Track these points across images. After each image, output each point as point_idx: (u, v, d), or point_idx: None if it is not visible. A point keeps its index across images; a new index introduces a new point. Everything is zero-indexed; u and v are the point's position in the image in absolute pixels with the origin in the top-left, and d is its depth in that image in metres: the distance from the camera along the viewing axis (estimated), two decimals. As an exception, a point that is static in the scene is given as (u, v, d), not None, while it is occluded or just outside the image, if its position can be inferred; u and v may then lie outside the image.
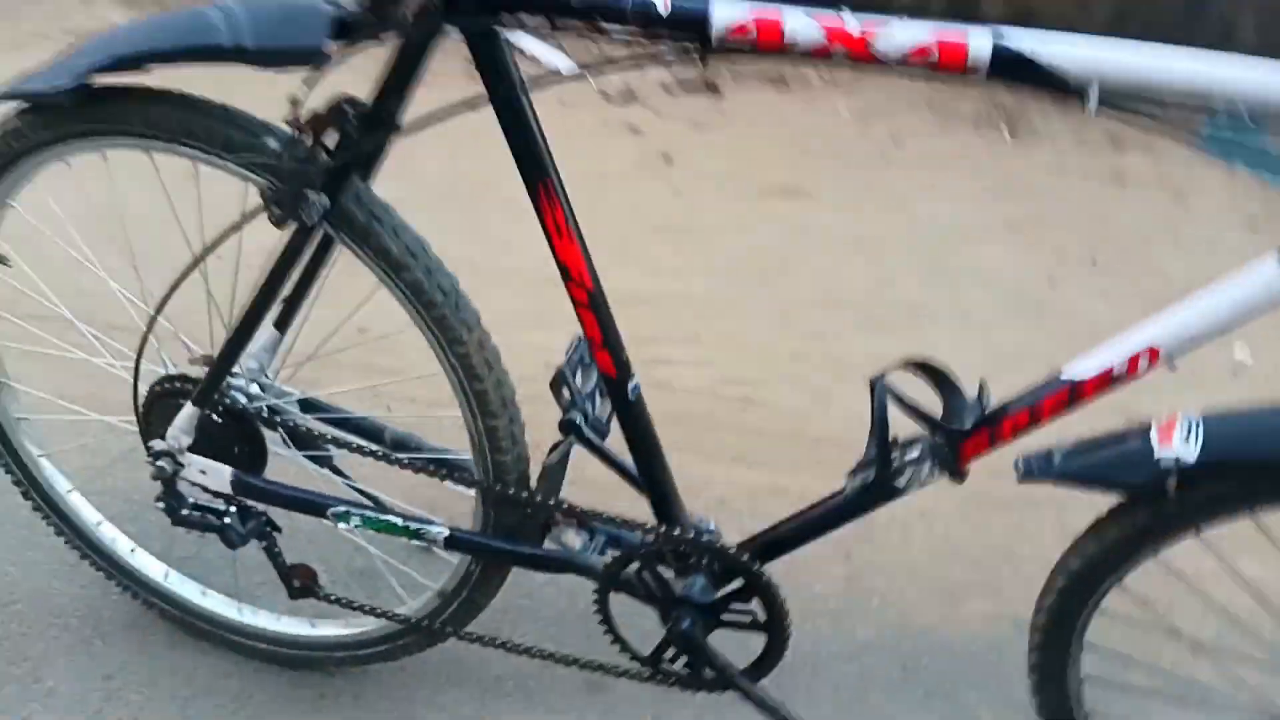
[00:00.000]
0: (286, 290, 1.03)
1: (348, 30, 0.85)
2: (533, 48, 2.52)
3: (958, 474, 0.92)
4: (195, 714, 1.23)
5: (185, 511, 1.11)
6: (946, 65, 0.73)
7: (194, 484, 1.10)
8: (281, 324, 1.11)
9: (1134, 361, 0.82)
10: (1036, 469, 0.86)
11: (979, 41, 0.73)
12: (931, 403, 0.91)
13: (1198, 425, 0.80)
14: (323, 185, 0.89)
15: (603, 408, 1.04)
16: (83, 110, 0.94)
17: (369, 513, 1.08)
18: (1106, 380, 0.84)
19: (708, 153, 2.33)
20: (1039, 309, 1.98)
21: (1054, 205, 2.28)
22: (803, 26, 0.75)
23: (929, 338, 1.87)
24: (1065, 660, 0.98)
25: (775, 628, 1.04)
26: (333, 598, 1.17)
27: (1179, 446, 0.80)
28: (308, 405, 1.14)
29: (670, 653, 1.08)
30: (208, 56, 0.88)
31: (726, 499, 1.50)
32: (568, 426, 1.02)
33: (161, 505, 1.12)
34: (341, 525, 1.09)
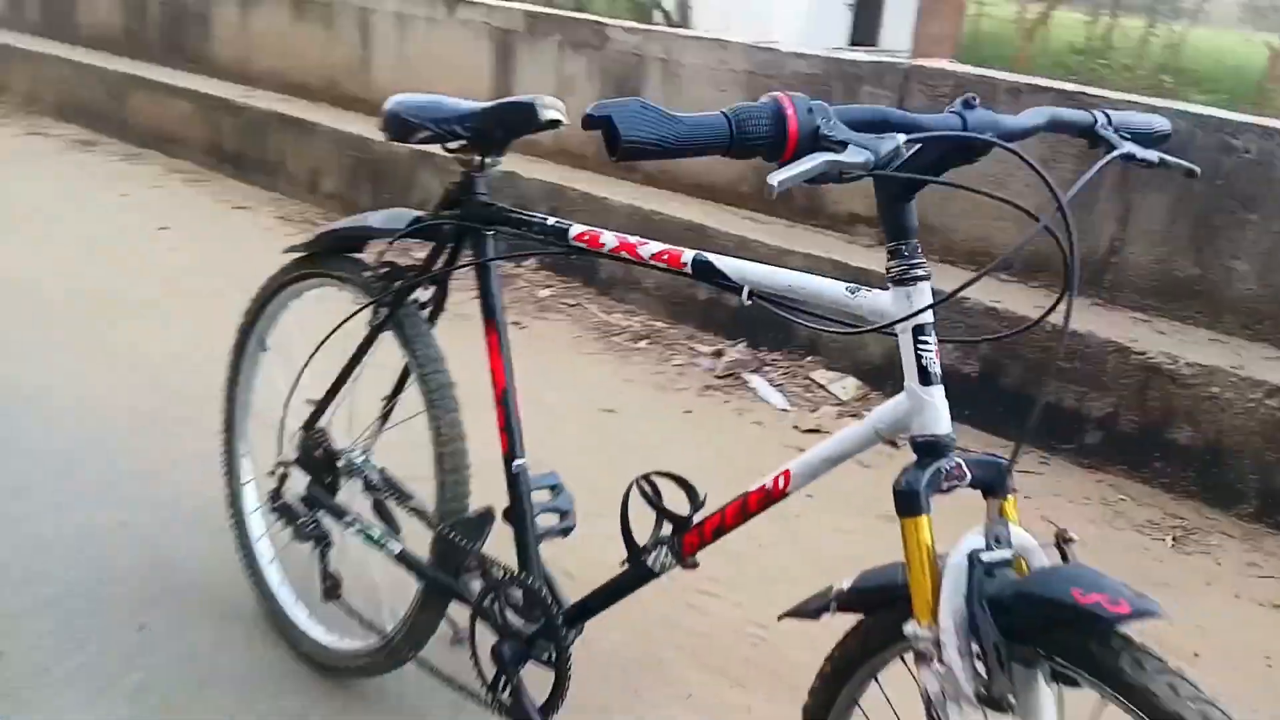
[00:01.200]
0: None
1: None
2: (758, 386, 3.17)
3: (686, 562, 1.27)
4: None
5: (280, 504, 1.74)
6: (672, 265, 1.24)
7: (288, 491, 1.73)
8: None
9: (776, 481, 1.18)
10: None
11: (688, 255, 1.23)
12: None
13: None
14: (389, 303, 1.56)
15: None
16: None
17: (363, 528, 1.63)
18: (763, 496, 1.19)
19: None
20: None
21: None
22: (610, 240, 1.31)
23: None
24: None
25: (562, 672, 1.39)
26: (351, 609, 1.69)
27: None
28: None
29: (502, 682, 1.45)
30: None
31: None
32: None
33: (271, 499, 1.76)
34: (348, 530, 1.64)
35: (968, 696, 0.97)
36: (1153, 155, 1.11)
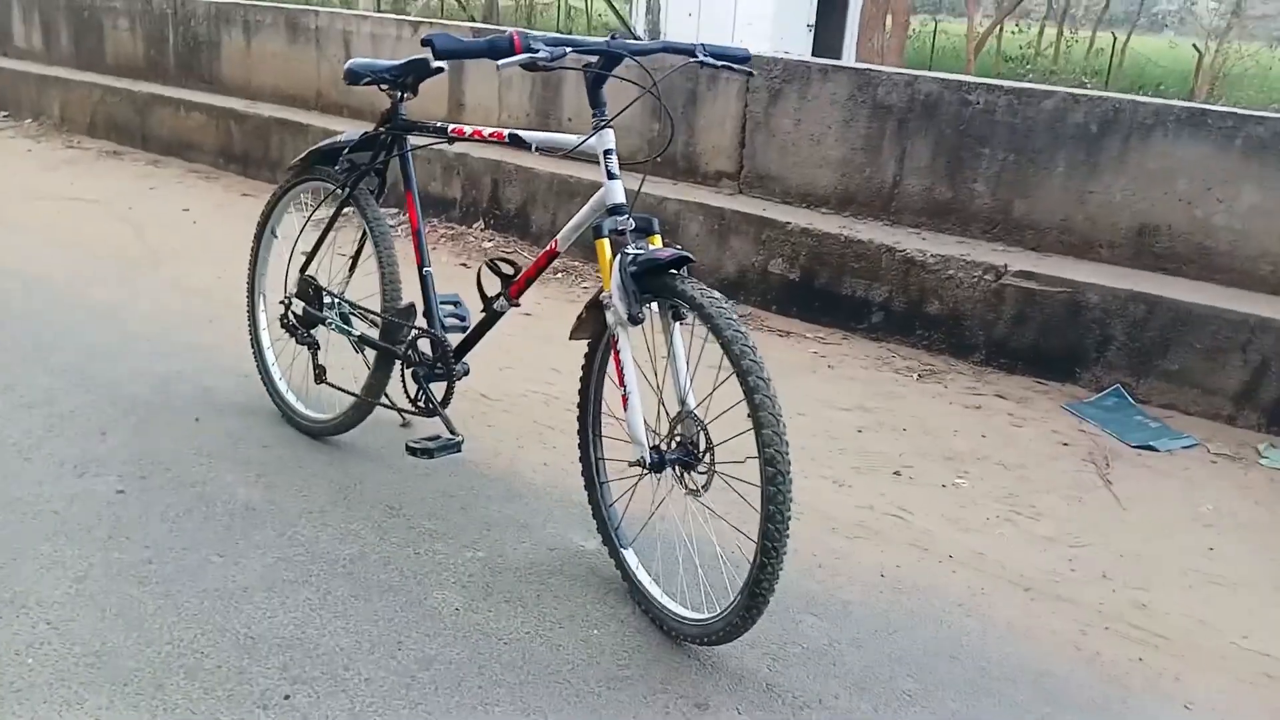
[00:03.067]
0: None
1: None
2: None
3: (513, 302, 2.31)
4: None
5: (288, 324, 2.76)
6: (496, 139, 2.27)
7: (294, 313, 2.76)
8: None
9: (552, 246, 2.22)
10: None
11: (506, 132, 2.26)
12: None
13: None
14: (344, 184, 2.60)
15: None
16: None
17: (338, 325, 2.66)
18: (547, 256, 2.23)
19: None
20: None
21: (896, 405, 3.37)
22: (467, 130, 2.35)
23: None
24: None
25: (450, 383, 2.42)
26: (333, 384, 2.71)
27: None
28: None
29: (417, 393, 2.47)
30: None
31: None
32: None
33: (281, 321, 2.78)
34: (329, 326, 2.67)
35: (622, 320, 1.99)
36: (716, 63, 2.14)
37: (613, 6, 20.38)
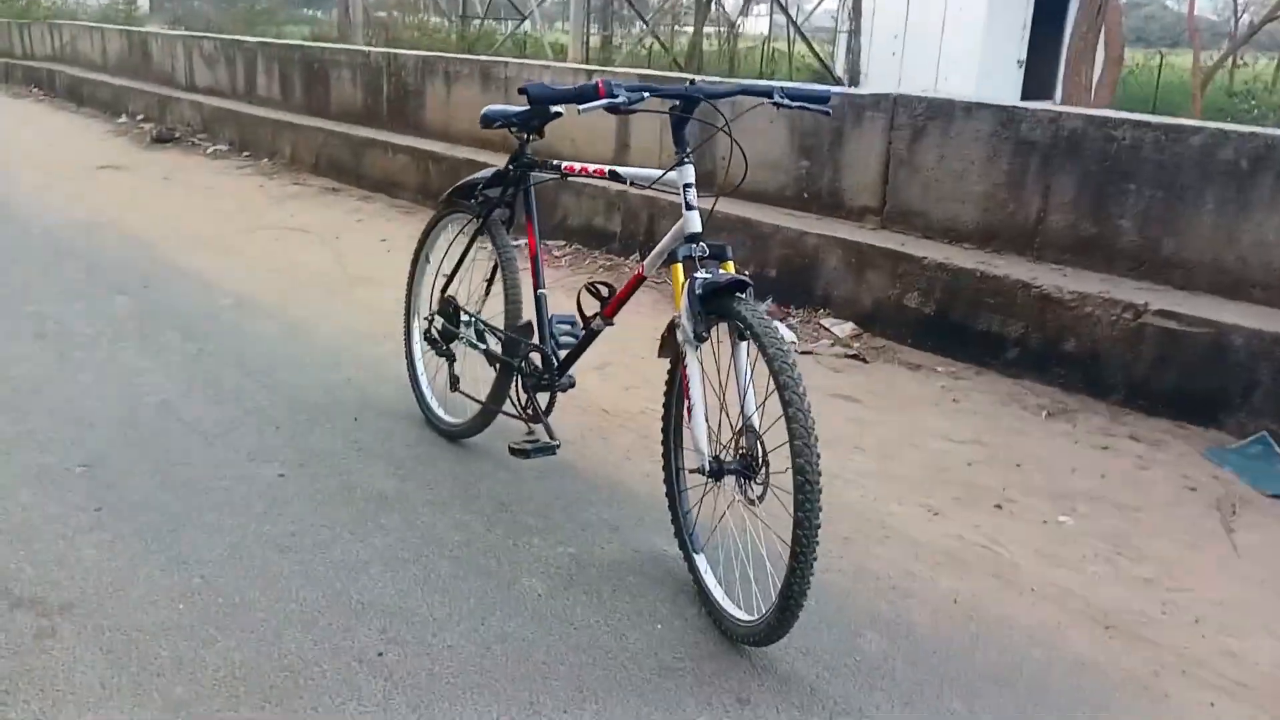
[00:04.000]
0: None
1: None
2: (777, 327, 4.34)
3: (609, 321, 2.52)
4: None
5: (430, 337, 3.10)
6: (599, 175, 2.50)
7: (436, 329, 3.10)
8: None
9: (638, 272, 2.42)
10: None
11: (607, 168, 2.49)
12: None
13: None
14: (480, 215, 2.91)
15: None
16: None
17: (469, 340, 2.96)
18: (634, 281, 2.43)
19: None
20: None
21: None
22: (576, 166, 2.59)
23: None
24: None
25: (553, 395, 2.66)
26: (464, 392, 3.03)
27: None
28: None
29: (525, 401, 2.72)
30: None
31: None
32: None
33: (425, 335, 3.13)
34: (463, 342, 2.98)
35: (689, 337, 2.16)
36: (792, 104, 2.28)
37: (812, 49, 20.56)
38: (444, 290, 3.09)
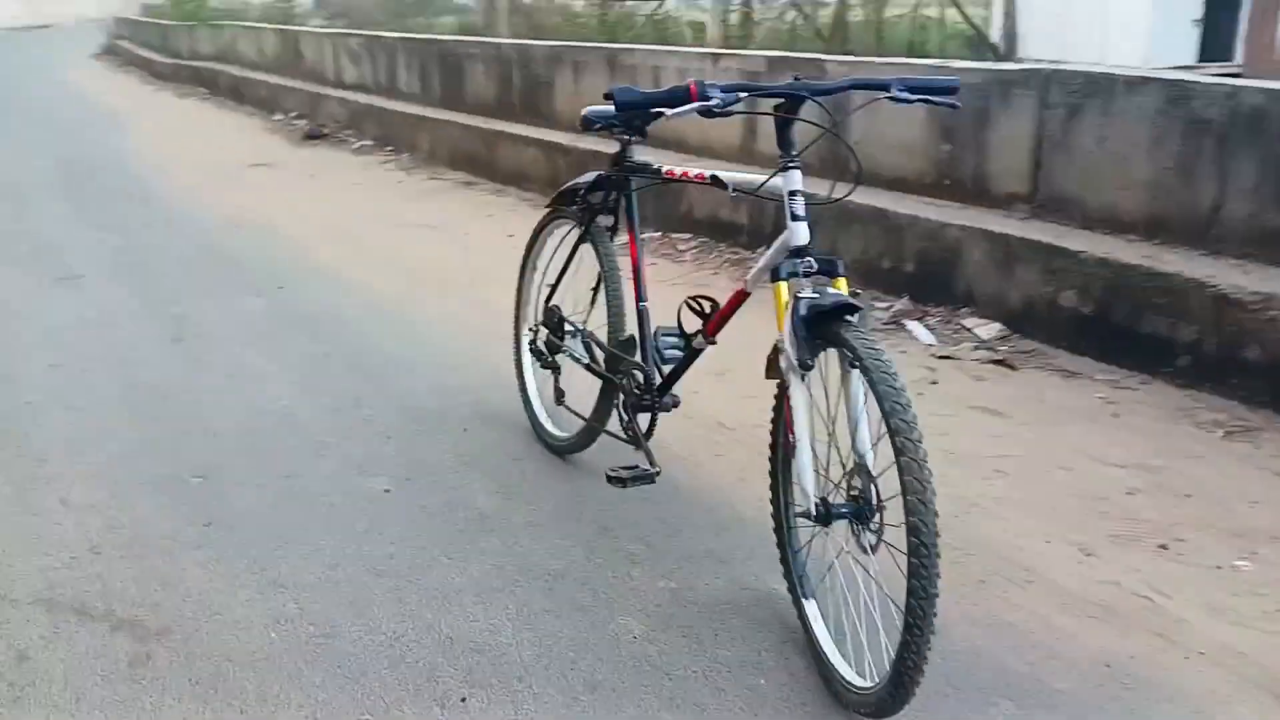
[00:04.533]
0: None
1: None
2: (914, 328, 4.03)
3: (710, 340, 2.32)
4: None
5: (535, 349, 2.98)
6: (700, 180, 2.30)
7: (540, 340, 2.97)
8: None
9: (740, 289, 2.20)
10: None
11: (708, 172, 2.28)
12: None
13: None
14: (582, 222, 2.75)
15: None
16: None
17: (572, 354, 2.82)
18: (736, 298, 2.22)
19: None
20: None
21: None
22: (676, 170, 2.39)
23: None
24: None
25: (654, 416, 2.48)
26: (569, 407, 2.89)
27: None
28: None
29: (627, 423, 2.56)
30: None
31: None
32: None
33: (530, 346, 3.01)
34: (567, 355, 2.84)
35: (794, 365, 1.94)
36: (913, 98, 2.00)
37: (964, 14, 19.47)
38: (548, 300, 2.96)
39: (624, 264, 2.67)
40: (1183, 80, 3.52)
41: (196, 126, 11.53)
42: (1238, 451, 2.95)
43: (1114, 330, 3.54)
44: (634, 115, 2.51)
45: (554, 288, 2.94)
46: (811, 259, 2.00)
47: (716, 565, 2.44)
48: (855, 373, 1.89)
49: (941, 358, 3.72)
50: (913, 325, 4.00)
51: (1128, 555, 2.45)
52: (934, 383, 3.52)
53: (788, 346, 1.95)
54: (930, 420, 3.16)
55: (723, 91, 1.96)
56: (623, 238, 2.71)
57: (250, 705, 2.01)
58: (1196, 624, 2.19)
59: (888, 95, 2.03)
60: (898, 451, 1.70)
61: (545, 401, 3.11)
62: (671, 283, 4.68)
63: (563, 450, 2.99)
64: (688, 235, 5.47)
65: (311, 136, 9.87)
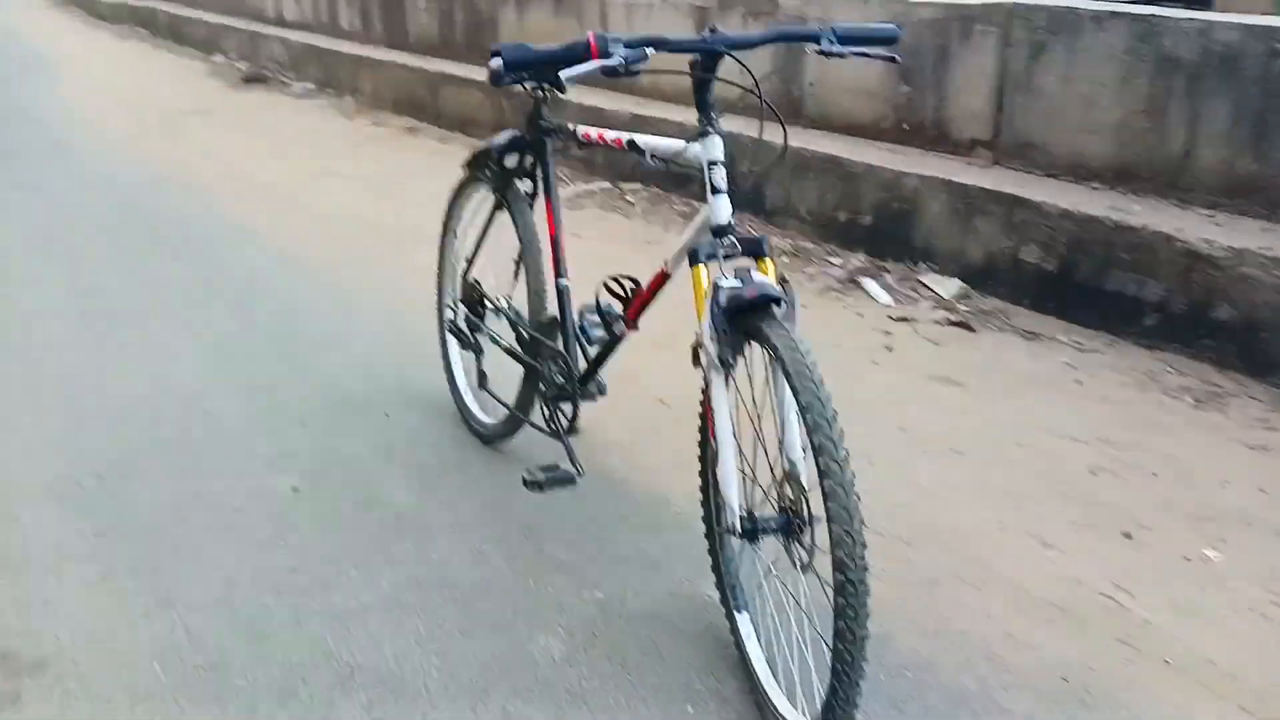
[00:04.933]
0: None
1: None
2: (870, 287, 3.81)
3: (630, 324, 2.09)
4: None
5: (454, 327, 2.74)
6: (617, 145, 2.04)
7: (459, 317, 2.73)
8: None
9: (661, 271, 1.97)
10: None
11: (625, 137, 2.03)
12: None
13: None
14: (497, 188, 2.49)
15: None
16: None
17: (492, 336, 2.58)
18: (657, 280, 1.98)
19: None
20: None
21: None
22: (593, 133, 2.14)
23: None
24: None
25: (576, 405, 2.26)
26: (491, 392, 2.66)
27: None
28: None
29: (549, 415, 2.34)
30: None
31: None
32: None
33: (450, 325, 2.77)
34: (488, 329, 2.61)
35: (714, 362, 1.72)
36: (845, 51, 1.76)
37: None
38: (465, 274, 2.71)
39: (545, 234, 2.42)
40: (1153, 15, 3.27)
41: (133, 71, 10.96)
42: (1208, 422, 2.78)
43: (1078, 288, 3.34)
44: (523, 75, 2.25)
45: (470, 261, 2.69)
46: (734, 239, 1.77)
47: (649, 571, 2.25)
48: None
49: (899, 319, 3.52)
50: (869, 284, 3.78)
51: (1089, 545, 2.28)
52: (889, 348, 3.32)
53: (706, 342, 1.72)
54: (884, 395, 2.98)
55: (627, 47, 1.70)
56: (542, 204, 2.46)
57: (124, 756, 1.81)
58: (1162, 627, 2.02)
59: (819, 50, 1.77)
60: (821, 474, 1.50)
61: (471, 384, 2.88)
62: (617, 240, 4.43)
63: (489, 438, 2.78)
64: (637, 185, 5.19)
65: (251, 80, 9.39)
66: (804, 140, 4.27)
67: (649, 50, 1.70)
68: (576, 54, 1.70)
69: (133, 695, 1.94)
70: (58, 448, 2.86)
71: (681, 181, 4.96)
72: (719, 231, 1.78)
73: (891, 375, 3.09)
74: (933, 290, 3.67)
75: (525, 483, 2.17)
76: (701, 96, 1.80)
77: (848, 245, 4.09)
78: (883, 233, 3.96)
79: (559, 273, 2.34)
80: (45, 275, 4.33)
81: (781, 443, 1.68)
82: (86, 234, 4.96)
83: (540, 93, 2.34)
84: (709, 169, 1.79)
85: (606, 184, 5.26)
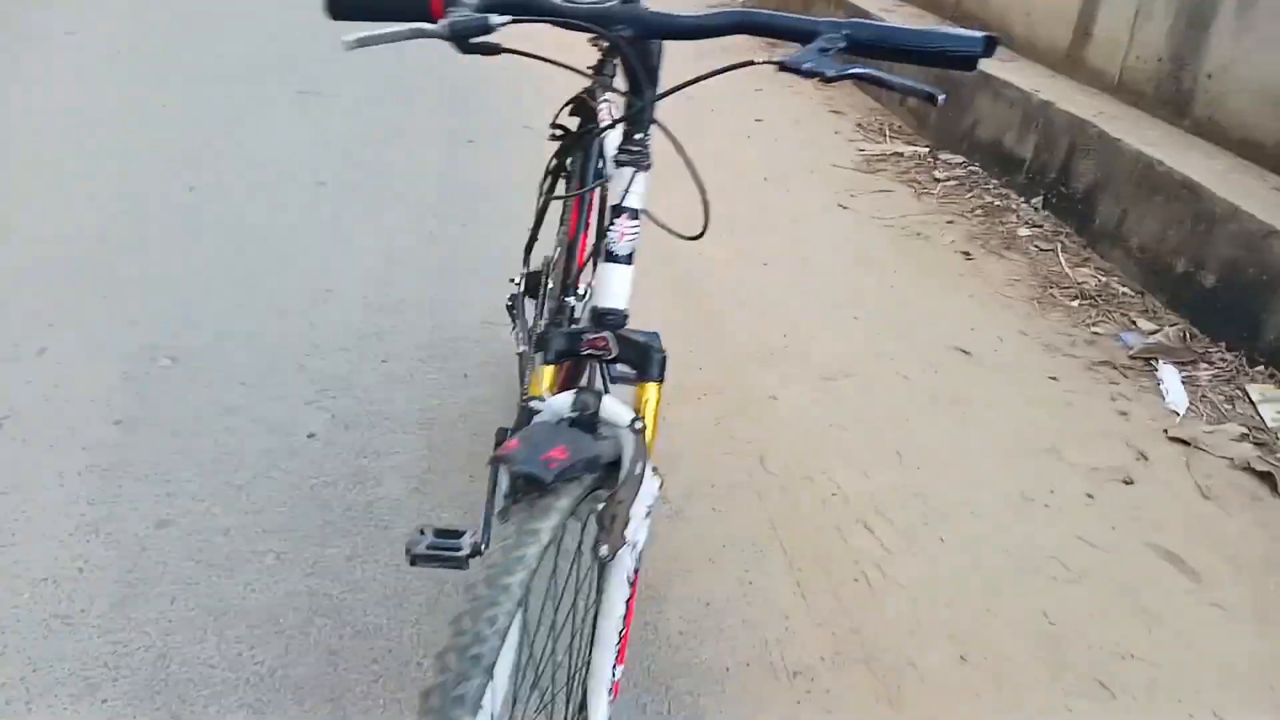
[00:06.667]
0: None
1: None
2: (1166, 376, 2.68)
3: None
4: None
5: (510, 306, 2.24)
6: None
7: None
8: None
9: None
10: None
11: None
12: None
13: None
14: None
15: None
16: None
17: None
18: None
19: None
20: None
21: None
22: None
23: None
24: None
25: None
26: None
27: None
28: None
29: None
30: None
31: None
32: None
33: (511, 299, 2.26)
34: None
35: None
36: (843, 69, 0.93)
37: None
38: (529, 247, 2.18)
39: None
40: None
41: None
42: None
43: None
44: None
45: (533, 235, 2.15)
46: (612, 336, 1.09)
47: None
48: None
49: (1175, 439, 2.42)
50: (1167, 371, 2.66)
51: None
52: (1128, 481, 2.28)
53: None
54: (1072, 555, 1.98)
55: (481, 11, 1.05)
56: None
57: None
58: None
59: (783, 66, 0.98)
60: None
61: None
62: (886, 223, 3.60)
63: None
64: (961, 159, 4.20)
65: None
66: (1171, 149, 3.10)
67: (494, 19, 1.03)
68: (412, 9, 1.08)
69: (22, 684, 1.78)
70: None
71: (1008, 165, 3.92)
72: (600, 320, 1.11)
73: (1101, 530, 2.10)
74: (1254, 407, 2.48)
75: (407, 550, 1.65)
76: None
77: (1171, 305, 2.93)
78: (1222, 305, 2.77)
79: (566, 289, 1.74)
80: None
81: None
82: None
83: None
84: (610, 214, 1.11)
85: (925, 149, 4.33)
